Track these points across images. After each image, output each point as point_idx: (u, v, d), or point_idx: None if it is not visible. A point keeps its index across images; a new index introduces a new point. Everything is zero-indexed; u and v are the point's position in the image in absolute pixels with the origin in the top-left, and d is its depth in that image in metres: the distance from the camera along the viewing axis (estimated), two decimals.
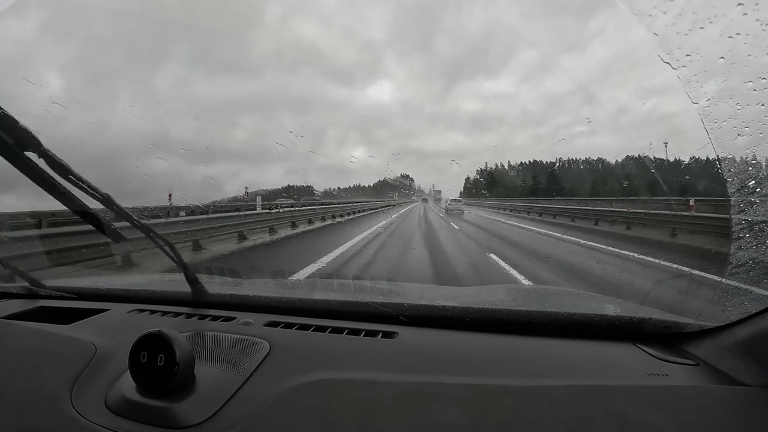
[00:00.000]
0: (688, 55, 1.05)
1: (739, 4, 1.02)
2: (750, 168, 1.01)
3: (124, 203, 1.04)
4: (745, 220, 1.03)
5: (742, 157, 1.05)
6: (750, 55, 1.01)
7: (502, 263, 5.99)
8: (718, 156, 1.02)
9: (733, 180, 1.02)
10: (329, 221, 14.54)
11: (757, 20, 0.99)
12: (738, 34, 1.04)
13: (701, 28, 1.06)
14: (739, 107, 1.04)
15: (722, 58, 1.06)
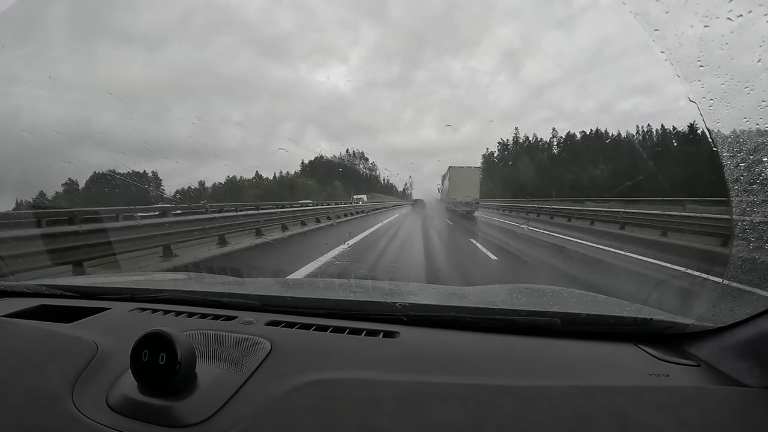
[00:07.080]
0: (690, 52, 1.04)
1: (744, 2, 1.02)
2: (756, 167, 1.01)
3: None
4: (747, 220, 1.02)
5: (744, 157, 1.05)
6: (756, 54, 1.00)
7: None
8: (720, 155, 1.02)
9: (735, 179, 1.02)
10: None
11: (763, 20, 0.99)
12: (741, 34, 1.04)
13: (705, 26, 1.06)
14: (742, 107, 1.04)
15: (725, 56, 1.05)
